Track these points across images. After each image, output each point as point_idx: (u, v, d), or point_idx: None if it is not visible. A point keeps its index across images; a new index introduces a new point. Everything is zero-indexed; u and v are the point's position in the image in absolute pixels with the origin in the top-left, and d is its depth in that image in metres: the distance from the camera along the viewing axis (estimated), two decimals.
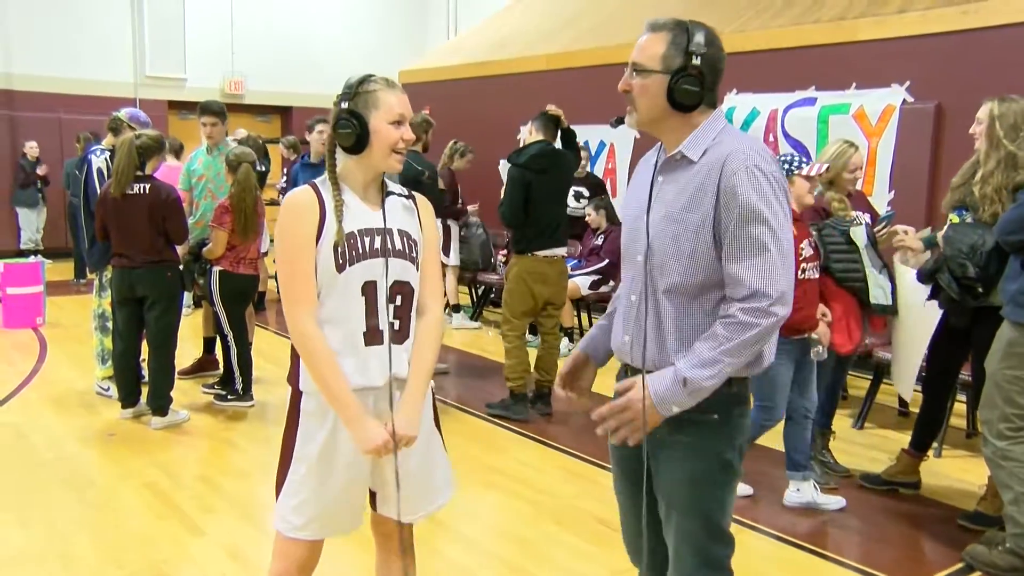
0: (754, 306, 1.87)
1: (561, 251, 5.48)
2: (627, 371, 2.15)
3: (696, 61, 1.95)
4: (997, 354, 3.40)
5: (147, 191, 4.87)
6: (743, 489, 4.42)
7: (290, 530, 2.21)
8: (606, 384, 2.19)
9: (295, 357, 2.20)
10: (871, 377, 5.49)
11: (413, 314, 2.25)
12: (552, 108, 5.57)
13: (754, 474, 4.48)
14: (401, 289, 2.20)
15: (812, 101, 6.67)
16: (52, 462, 4.43)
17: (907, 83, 6.12)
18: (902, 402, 5.62)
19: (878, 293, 4.17)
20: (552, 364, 5.54)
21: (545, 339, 5.59)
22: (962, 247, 3.66)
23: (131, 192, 4.84)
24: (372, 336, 2.16)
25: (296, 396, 2.22)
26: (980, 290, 3.66)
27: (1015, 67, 5.60)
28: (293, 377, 2.22)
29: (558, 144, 5.60)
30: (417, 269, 2.25)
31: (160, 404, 5.00)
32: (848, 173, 4.27)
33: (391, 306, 2.18)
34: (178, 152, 8.41)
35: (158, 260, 4.92)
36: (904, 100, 6.13)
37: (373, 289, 2.15)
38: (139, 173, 4.89)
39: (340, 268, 2.11)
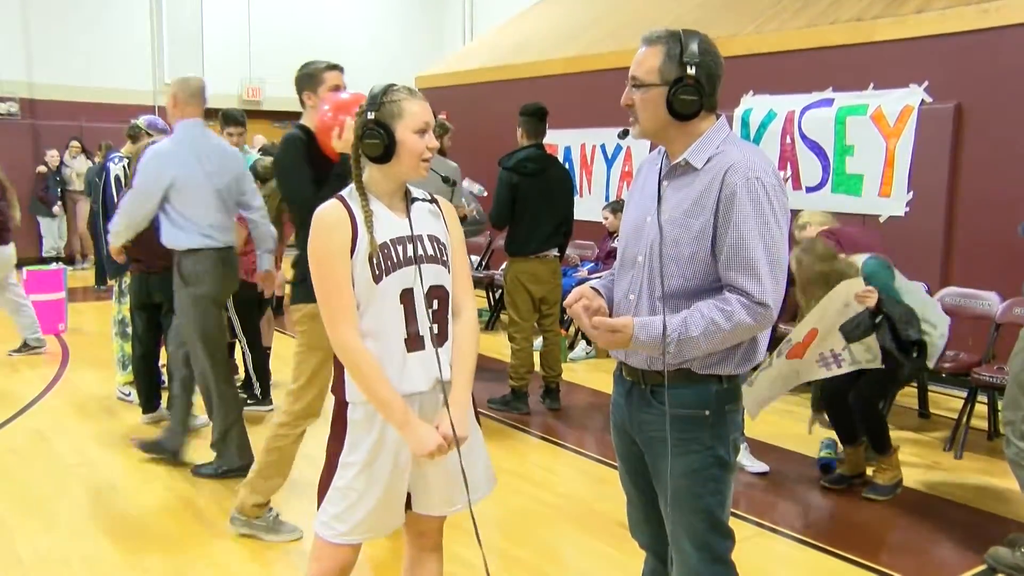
0: (753, 306, 1.95)
1: (552, 251, 5.54)
2: (622, 369, 2.22)
3: (691, 71, 1.99)
4: (1019, 356, 3.38)
5: None
6: (759, 466, 4.49)
7: (334, 536, 2.24)
8: (605, 382, 2.22)
9: (339, 368, 2.24)
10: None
11: (450, 316, 2.29)
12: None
13: (769, 477, 4.47)
14: (437, 294, 2.24)
15: (829, 102, 6.63)
16: (75, 466, 4.48)
17: (925, 83, 6.08)
18: (922, 403, 5.58)
19: None
20: (556, 360, 5.65)
21: (546, 336, 5.67)
22: (901, 313, 3.97)
23: None
24: (413, 343, 2.19)
25: (342, 406, 2.25)
26: (916, 353, 4.01)
27: None
28: (338, 388, 2.26)
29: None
30: (449, 272, 2.28)
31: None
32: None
33: (429, 311, 2.21)
34: None
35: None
36: (923, 100, 6.09)
37: (410, 296, 2.18)
38: None
39: (377, 279, 2.14)
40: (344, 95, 3.48)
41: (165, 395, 5.18)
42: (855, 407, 4.25)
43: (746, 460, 4.49)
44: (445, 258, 2.27)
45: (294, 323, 3.58)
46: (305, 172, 3.39)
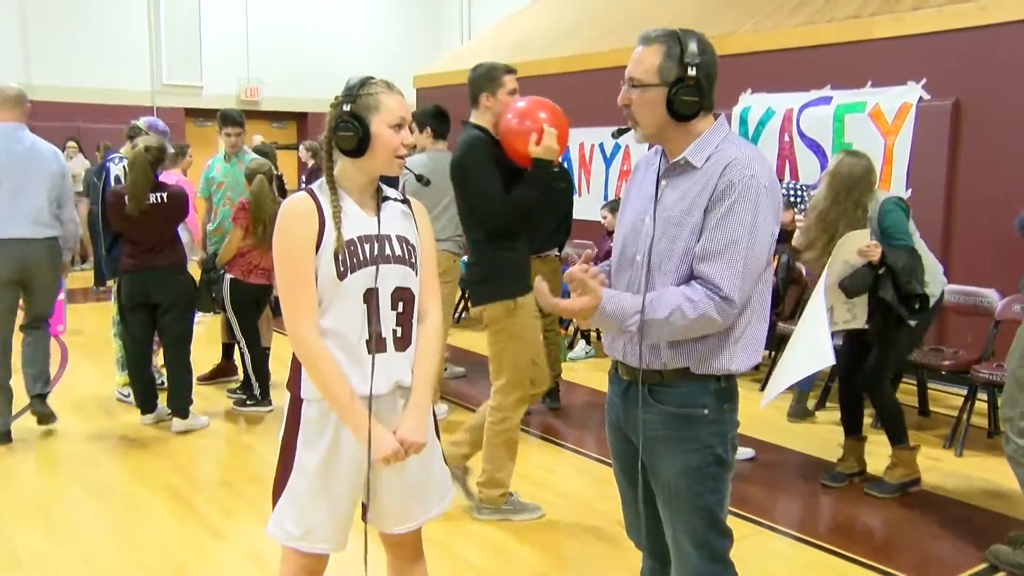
0: (719, 301, 1.94)
1: (553, 251, 5.55)
2: (617, 368, 2.22)
3: (692, 71, 1.99)
4: (1016, 352, 3.38)
5: (165, 199, 4.91)
6: (744, 452, 4.59)
7: (288, 539, 2.19)
8: (604, 382, 2.23)
9: (295, 364, 2.18)
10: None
11: (414, 320, 2.23)
12: None
13: (768, 475, 4.48)
14: (403, 295, 2.18)
15: (827, 100, 6.63)
16: (74, 466, 4.47)
17: (923, 80, 6.07)
18: (922, 401, 5.58)
19: None
20: (555, 359, 5.65)
21: (545, 336, 5.65)
22: (904, 265, 3.91)
23: (148, 203, 4.87)
24: (375, 344, 2.14)
25: (296, 403, 2.19)
26: (917, 306, 3.96)
27: None
28: (293, 384, 2.20)
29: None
30: (416, 275, 2.23)
31: (182, 405, 5.04)
32: None
33: (393, 313, 2.16)
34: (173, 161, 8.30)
35: (172, 264, 4.97)
36: (920, 97, 6.09)
37: (375, 296, 2.12)
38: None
39: (341, 276, 2.09)
40: (523, 102, 3.54)
41: (163, 395, 5.20)
42: (864, 386, 4.25)
43: None
44: (413, 260, 2.21)
45: (484, 323, 3.68)
46: (495, 174, 3.45)
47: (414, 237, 2.24)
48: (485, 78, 3.63)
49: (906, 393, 5.63)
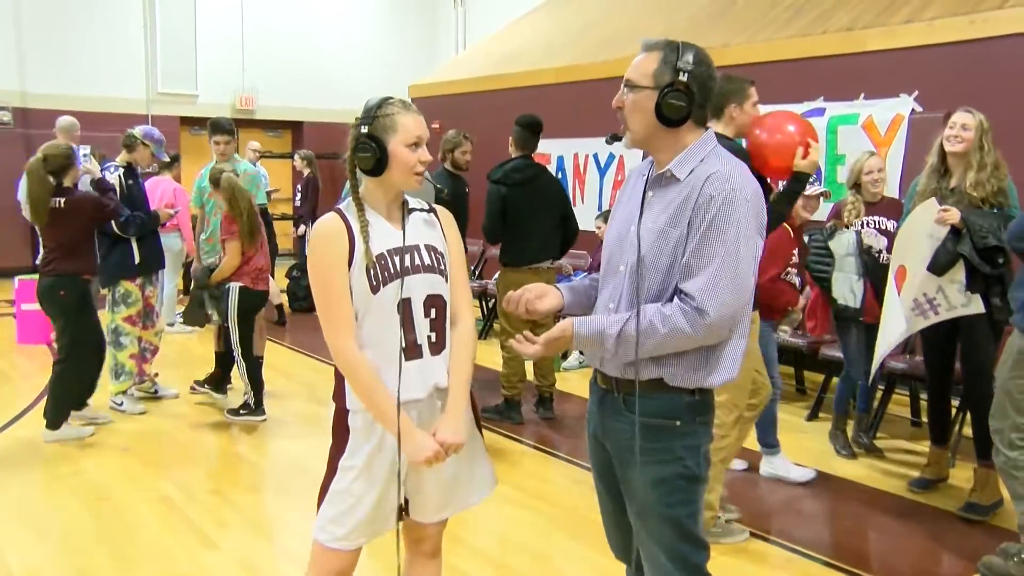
0: (691, 312, 1.95)
1: (547, 263, 5.53)
2: (598, 378, 2.24)
3: (683, 77, 2.01)
4: (1007, 363, 3.39)
5: (62, 204, 4.92)
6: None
7: (331, 540, 2.26)
8: (583, 387, 2.26)
9: (339, 376, 2.27)
10: (882, 387, 5.42)
11: (448, 325, 2.32)
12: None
13: (764, 487, 4.48)
14: (435, 302, 2.27)
15: (821, 112, 6.66)
16: (67, 476, 4.46)
17: (915, 93, 6.11)
18: (914, 412, 5.60)
19: (847, 295, 4.69)
20: (549, 369, 5.65)
21: None
22: (983, 223, 3.85)
23: (47, 209, 4.91)
24: (411, 351, 2.23)
25: (342, 413, 2.28)
26: (1001, 260, 3.84)
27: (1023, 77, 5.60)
28: (339, 395, 2.29)
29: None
30: (447, 281, 2.31)
31: (51, 419, 4.97)
32: (865, 175, 4.85)
33: (427, 320, 2.25)
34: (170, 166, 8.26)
35: (74, 272, 4.96)
36: (913, 110, 6.13)
37: (408, 305, 2.22)
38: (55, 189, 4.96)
39: (375, 289, 2.18)
40: (767, 115, 3.61)
41: (149, 403, 5.19)
42: (968, 395, 4.26)
43: (783, 470, 4.50)
44: (443, 267, 2.30)
45: None
46: None
47: (442, 245, 2.33)
48: (734, 91, 3.59)
49: (898, 404, 5.66)
